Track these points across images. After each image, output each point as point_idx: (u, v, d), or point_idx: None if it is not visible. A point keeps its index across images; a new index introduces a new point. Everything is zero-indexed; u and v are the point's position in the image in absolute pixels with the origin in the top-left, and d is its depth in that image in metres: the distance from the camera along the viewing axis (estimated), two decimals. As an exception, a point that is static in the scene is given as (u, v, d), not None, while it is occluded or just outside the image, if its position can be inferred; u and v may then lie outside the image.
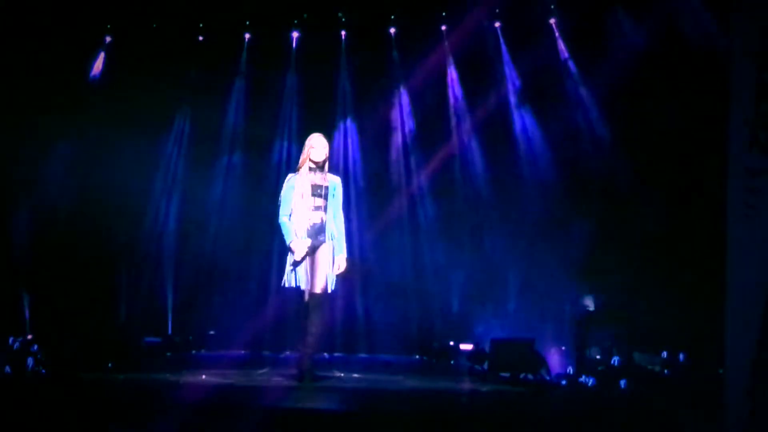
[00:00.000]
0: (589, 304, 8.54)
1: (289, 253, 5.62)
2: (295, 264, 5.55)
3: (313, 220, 5.62)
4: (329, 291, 5.63)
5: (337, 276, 5.66)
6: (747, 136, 2.78)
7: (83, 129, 9.37)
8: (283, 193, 5.75)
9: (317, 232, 5.62)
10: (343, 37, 9.99)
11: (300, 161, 5.78)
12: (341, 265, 5.67)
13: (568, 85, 9.41)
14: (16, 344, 7.39)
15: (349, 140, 10.18)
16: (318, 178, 5.70)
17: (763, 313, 2.64)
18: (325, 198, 5.67)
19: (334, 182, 5.77)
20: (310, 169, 5.71)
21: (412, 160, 10.06)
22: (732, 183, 2.80)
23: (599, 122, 9.11)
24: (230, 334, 8.80)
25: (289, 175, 5.83)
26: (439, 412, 4.26)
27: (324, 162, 5.72)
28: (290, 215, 5.67)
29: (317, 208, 5.65)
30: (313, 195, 5.64)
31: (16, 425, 3.44)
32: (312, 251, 5.62)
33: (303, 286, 5.56)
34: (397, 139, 10.13)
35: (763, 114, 2.79)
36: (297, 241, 5.57)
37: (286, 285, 5.62)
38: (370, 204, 10.08)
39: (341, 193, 5.80)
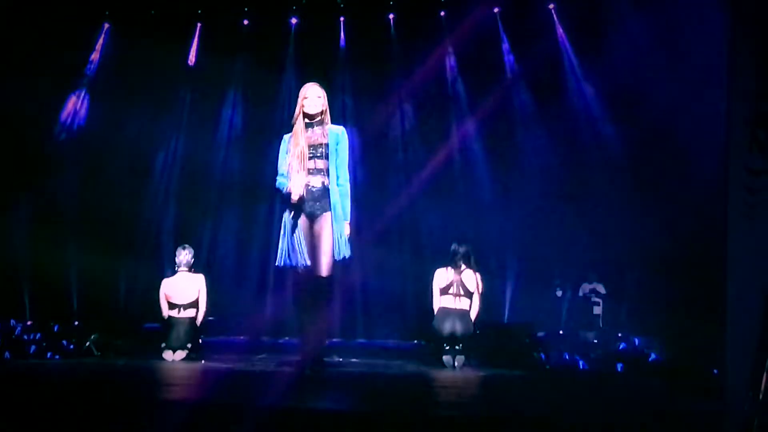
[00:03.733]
0: (600, 289, 8.61)
1: (283, 228, 4.91)
2: (292, 240, 4.83)
3: (312, 185, 4.88)
4: (340, 259, 4.85)
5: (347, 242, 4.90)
6: (747, 136, 2.81)
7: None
8: (279, 159, 5.03)
9: (317, 199, 4.87)
10: (341, 23, 9.98)
11: (294, 117, 5.00)
12: (345, 233, 4.88)
13: (566, 71, 9.43)
14: (18, 329, 7.44)
15: (348, 125, 10.14)
16: (316, 134, 4.93)
17: (763, 314, 2.68)
18: (327, 158, 4.89)
19: (336, 135, 4.97)
20: (306, 125, 4.95)
21: (411, 146, 10.05)
22: (732, 183, 2.83)
23: (599, 108, 9.15)
24: (230, 321, 8.82)
25: (284, 136, 5.07)
26: (437, 397, 4.30)
27: (321, 114, 4.97)
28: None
29: (317, 171, 4.89)
30: (312, 157, 4.88)
31: (14, 411, 3.45)
32: (311, 222, 4.90)
33: (302, 264, 4.82)
34: (396, 124, 10.11)
35: (763, 114, 2.81)
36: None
37: (281, 264, 4.88)
38: (368, 189, 10.08)
39: (346, 146, 4.97)
